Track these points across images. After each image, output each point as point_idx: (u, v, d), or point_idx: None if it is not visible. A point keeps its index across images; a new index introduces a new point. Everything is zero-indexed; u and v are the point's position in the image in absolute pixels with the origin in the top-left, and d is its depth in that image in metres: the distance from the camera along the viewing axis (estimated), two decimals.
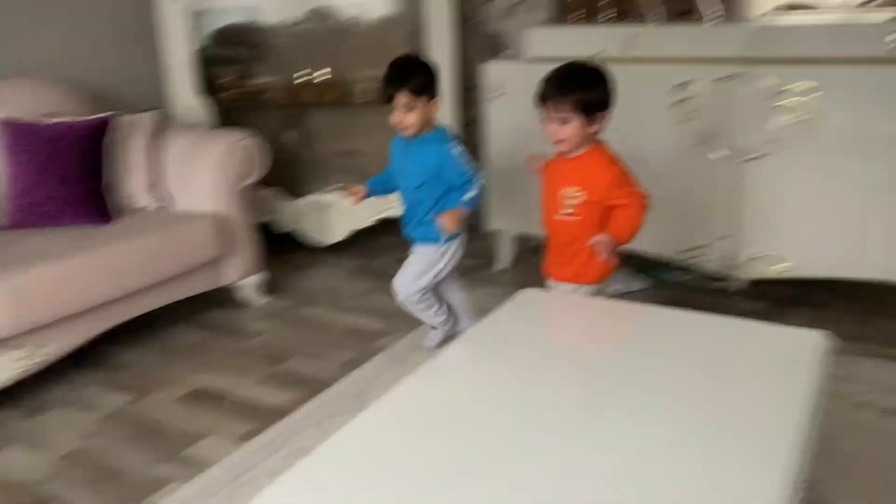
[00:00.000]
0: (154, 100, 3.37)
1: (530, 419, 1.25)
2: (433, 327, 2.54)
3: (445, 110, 3.36)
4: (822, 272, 2.65)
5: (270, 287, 3.19)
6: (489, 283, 3.24)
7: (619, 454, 1.14)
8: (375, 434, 1.26)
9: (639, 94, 2.63)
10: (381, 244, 3.78)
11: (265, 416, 2.20)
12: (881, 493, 1.73)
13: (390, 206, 3.53)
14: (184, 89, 3.40)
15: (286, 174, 3.57)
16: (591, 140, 2.06)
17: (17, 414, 2.27)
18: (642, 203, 2.02)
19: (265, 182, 3.48)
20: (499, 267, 3.41)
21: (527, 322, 1.72)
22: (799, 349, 1.48)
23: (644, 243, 2.95)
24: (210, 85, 3.52)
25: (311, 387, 2.36)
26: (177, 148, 2.90)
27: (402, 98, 2.18)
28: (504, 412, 1.29)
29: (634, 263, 3.24)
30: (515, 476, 1.11)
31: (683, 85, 2.70)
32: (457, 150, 2.25)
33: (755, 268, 2.75)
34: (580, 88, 1.97)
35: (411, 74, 2.20)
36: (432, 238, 2.34)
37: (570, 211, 2.05)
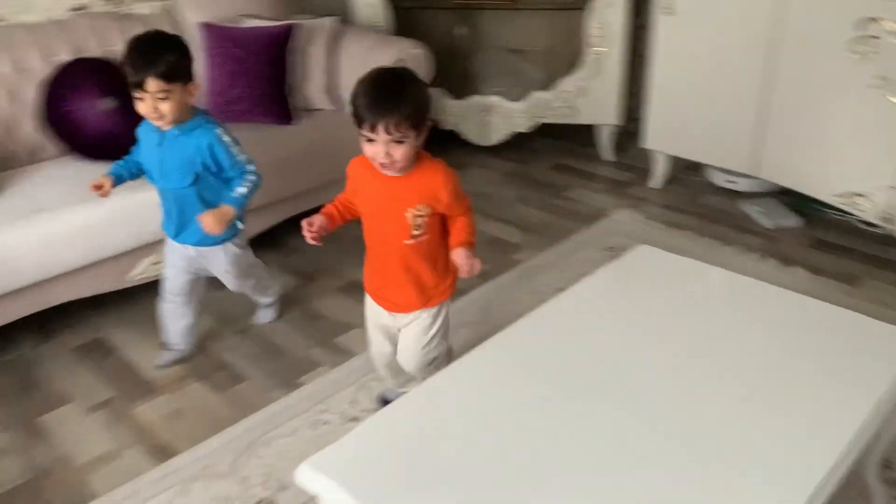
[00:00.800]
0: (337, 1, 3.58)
1: (616, 381, 1.42)
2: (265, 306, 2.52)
3: (617, 11, 3.32)
4: None
5: None
6: (639, 201, 3.29)
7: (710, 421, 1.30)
8: (495, 362, 1.52)
9: (818, 22, 2.49)
10: (537, 148, 3.89)
11: None
12: None
13: (549, 112, 3.61)
14: None
15: (452, 74, 3.71)
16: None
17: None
18: (470, 206, 1.78)
19: (431, 81, 3.65)
20: (651, 185, 3.43)
21: (637, 281, 1.83)
22: None
23: (799, 181, 2.86)
24: None
25: None
26: (352, 54, 3.12)
27: (152, 85, 1.84)
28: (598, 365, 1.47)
29: (787, 200, 3.15)
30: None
31: (869, 20, 2.49)
32: (227, 137, 2.01)
33: None
34: (411, 101, 1.55)
35: (160, 57, 1.85)
36: (222, 238, 2.12)
37: (419, 232, 1.70)
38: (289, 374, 2.26)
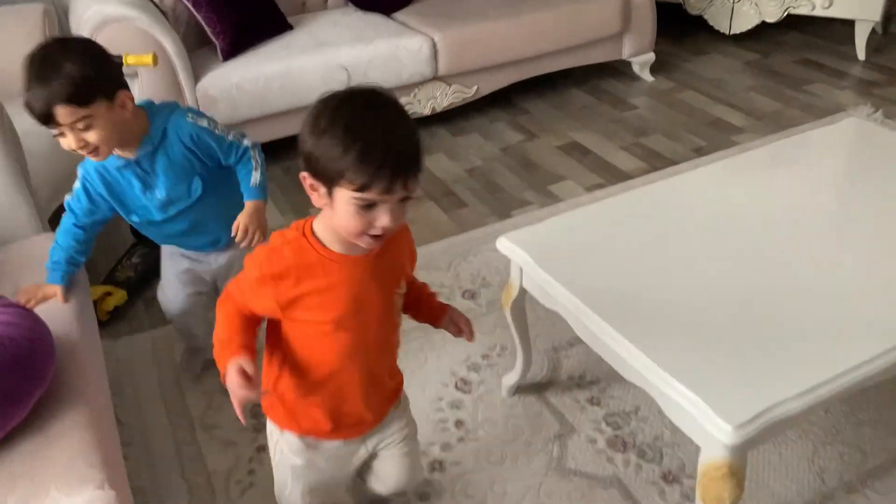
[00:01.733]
0: None
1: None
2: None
3: None
4: None
5: (663, 66, 3.54)
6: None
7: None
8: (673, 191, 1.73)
9: None
10: (784, 41, 3.78)
11: (614, 176, 2.73)
12: None
13: (802, 1, 3.48)
14: None
15: None
16: None
17: (446, 132, 3.14)
18: None
19: None
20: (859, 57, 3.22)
21: (839, 147, 1.91)
22: None
23: None
24: None
25: (660, 160, 2.80)
26: None
27: (63, 114, 1.34)
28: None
29: None
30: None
31: None
32: (203, 121, 1.57)
33: None
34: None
35: (61, 76, 1.33)
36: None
37: (400, 314, 1.26)
38: (504, 208, 2.61)
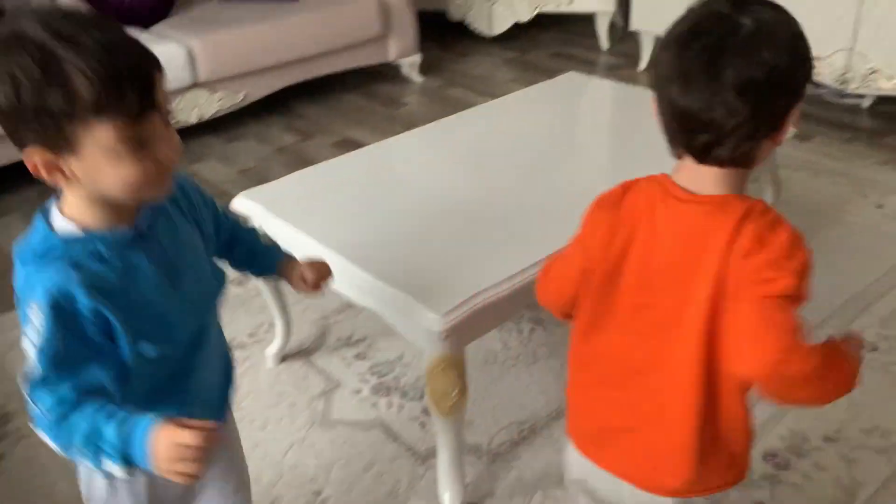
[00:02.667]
0: None
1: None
2: None
3: None
4: None
5: (432, 68, 3.71)
6: (629, 81, 3.47)
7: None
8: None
9: None
10: (538, 39, 4.11)
11: None
12: None
13: (548, 1, 3.80)
14: None
15: None
16: None
17: (217, 139, 3.10)
18: None
19: None
20: (640, 68, 3.60)
21: (548, 96, 2.09)
22: None
23: None
24: None
25: None
26: None
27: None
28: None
29: None
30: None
31: None
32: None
33: (871, 83, 2.74)
34: None
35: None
36: None
37: None
38: None
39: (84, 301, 0.78)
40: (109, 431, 0.75)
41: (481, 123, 1.95)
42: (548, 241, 1.34)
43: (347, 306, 2.01)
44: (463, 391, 1.27)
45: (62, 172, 0.78)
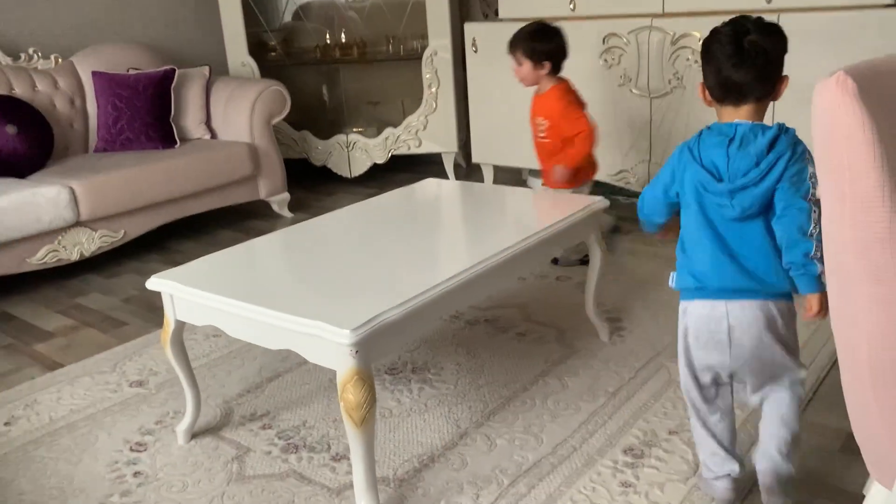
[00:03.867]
0: (215, 59, 4.28)
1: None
2: None
3: (445, 57, 4.10)
4: None
5: (300, 205, 4.05)
6: None
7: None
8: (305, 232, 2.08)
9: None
10: (393, 178, 4.58)
11: None
12: None
13: (400, 144, 4.32)
14: (237, 49, 4.29)
15: (319, 119, 4.41)
16: (552, 80, 2.74)
17: (97, 276, 3.22)
18: (585, 134, 2.67)
19: (300, 125, 4.35)
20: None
21: (410, 199, 2.47)
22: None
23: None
24: (261, 46, 4.40)
25: None
26: (222, 92, 3.79)
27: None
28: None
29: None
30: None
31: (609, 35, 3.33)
32: None
33: None
34: (529, 39, 2.70)
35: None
36: None
37: (543, 135, 2.78)
38: None
39: None
40: None
41: (347, 217, 2.28)
42: (416, 283, 1.66)
43: (247, 390, 2.18)
44: (373, 402, 1.49)
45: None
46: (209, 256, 1.98)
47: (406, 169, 4.65)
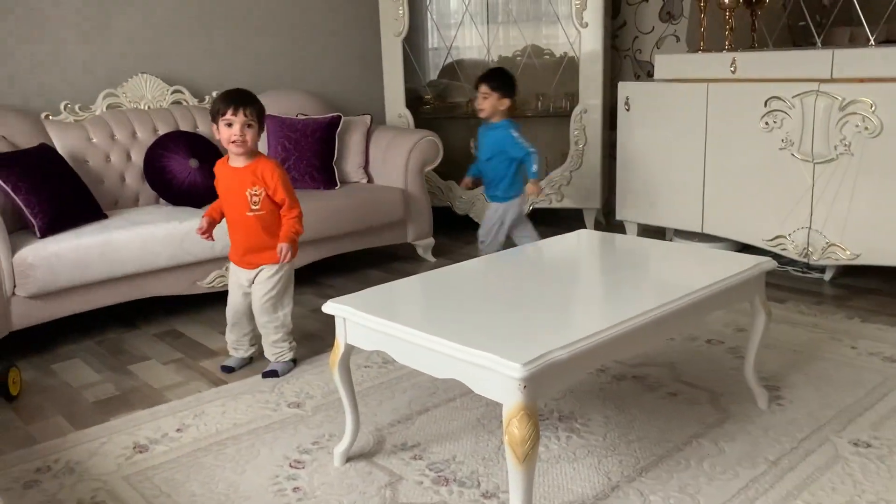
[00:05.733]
0: (374, 108, 4.53)
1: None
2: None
3: (594, 115, 4.17)
4: (885, 261, 3.08)
5: (443, 251, 4.17)
6: None
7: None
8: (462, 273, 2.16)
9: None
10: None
11: None
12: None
13: (541, 198, 4.37)
14: (395, 101, 4.52)
15: (465, 170, 4.54)
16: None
17: None
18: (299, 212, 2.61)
19: (447, 175, 4.50)
20: None
21: (569, 247, 2.50)
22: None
23: (734, 232, 3.52)
24: (417, 100, 4.62)
25: None
26: (382, 140, 3.99)
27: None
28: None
29: (729, 247, 3.78)
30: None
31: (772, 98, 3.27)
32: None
33: (831, 255, 3.22)
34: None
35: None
36: None
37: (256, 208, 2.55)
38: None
39: None
40: None
41: (509, 260, 2.33)
42: (584, 327, 1.67)
43: (397, 420, 2.24)
44: (537, 439, 1.51)
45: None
46: (379, 287, 2.08)
47: (546, 222, 4.69)
